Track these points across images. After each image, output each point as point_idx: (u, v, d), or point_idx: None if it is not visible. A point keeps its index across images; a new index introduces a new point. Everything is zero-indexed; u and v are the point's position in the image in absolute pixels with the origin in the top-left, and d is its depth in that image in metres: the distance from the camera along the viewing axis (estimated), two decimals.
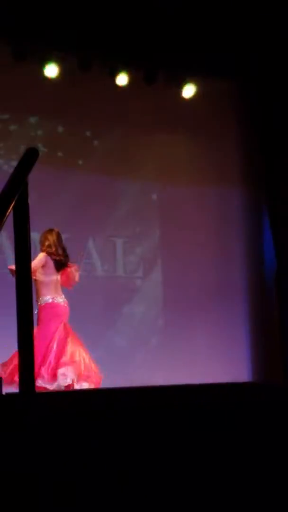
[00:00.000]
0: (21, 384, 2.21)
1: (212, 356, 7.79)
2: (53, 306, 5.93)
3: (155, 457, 2.24)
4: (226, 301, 8.17)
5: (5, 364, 5.68)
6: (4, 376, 5.54)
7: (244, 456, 2.37)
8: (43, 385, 5.61)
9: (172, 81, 8.03)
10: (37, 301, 5.90)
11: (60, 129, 7.68)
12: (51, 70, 7.42)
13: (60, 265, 6.07)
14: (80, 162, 7.74)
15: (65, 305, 6.01)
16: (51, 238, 6.12)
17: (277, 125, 8.32)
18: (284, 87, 8.15)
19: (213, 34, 7.41)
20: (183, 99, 8.09)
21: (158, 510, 2.17)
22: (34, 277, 5.87)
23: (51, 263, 6.01)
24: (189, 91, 8.08)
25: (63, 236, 7.36)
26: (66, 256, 6.13)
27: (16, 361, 5.57)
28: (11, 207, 2.30)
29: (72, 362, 5.72)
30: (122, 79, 7.72)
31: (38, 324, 5.83)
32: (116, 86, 7.74)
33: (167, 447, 2.27)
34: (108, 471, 2.14)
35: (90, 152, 7.78)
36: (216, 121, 8.35)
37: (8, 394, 2.09)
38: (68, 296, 6.38)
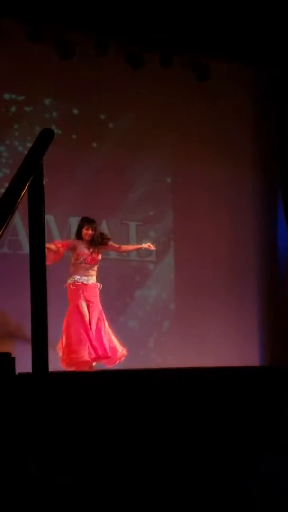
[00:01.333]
0: (34, 363, 2.23)
1: (223, 340, 7.80)
2: None
3: (165, 437, 2.26)
4: (238, 285, 8.17)
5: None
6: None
7: (255, 437, 2.38)
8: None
9: (187, 64, 7.99)
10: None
11: (75, 111, 7.67)
12: (67, 52, 7.40)
13: None
14: (95, 144, 7.74)
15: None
16: None
17: None
18: None
19: (229, 17, 7.35)
20: (198, 82, 8.06)
21: (163, 492, 2.19)
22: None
23: None
24: (204, 74, 8.04)
25: (77, 219, 7.43)
26: None
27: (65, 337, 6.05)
28: (26, 188, 2.31)
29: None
30: (138, 62, 7.69)
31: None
32: (132, 69, 7.71)
33: (177, 428, 2.29)
34: (118, 451, 2.16)
35: (104, 134, 7.77)
36: (230, 104, 8.31)
37: (21, 374, 2.11)
38: None
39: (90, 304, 6.27)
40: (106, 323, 6.33)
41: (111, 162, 7.69)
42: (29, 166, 2.37)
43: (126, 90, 7.75)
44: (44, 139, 2.50)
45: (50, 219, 7.14)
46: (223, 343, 7.78)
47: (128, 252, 7.10)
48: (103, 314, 6.33)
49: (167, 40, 7.70)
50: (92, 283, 6.31)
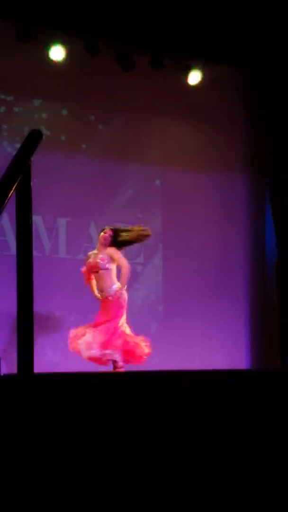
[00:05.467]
0: (20, 364, 2.22)
1: (211, 343, 7.81)
2: None
3: (150, 441, 2.25)
4: (226, 288, 8.18)
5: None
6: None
7: (243, 441, 2.38)
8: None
9: (178, 66, 8.01)
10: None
11: (65, 112, 7.66)
12: (57, 53, 7.39)
13: None
14: (84, 146, 7.73)
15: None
16: None
17: (282, 112, 8.30)
18: None
19: (220, 19, 7.36)
20: (189, 85, 8.08)
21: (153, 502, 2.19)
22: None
23: None
24: (194, 77, 8.06)
25: (65, 220, 7.40)
26: None
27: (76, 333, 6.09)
28: (13, 189, 2.30)
29: None
30: (128, 64, 7.70)
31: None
32: (122, 71, 7.71)
33: (164, 431, 2.29)
34: (106, 455, 2.15)
35: (94, 136, 7.76)
36: (221, 107, 8.32)
37: (6, 375, 2.10)
38: (68, 281, 6.41)
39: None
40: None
41: (100, 164, 7.69)
42: (17, 166, 2.37)
43: (116, 91, 7.75)
44: (33, 140, 2.50)
45: (38, 220, 7.13)
46: (210, 345, 7.78)
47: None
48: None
49: (158, 42, 7.70)
50: (102, 298, 6.34)
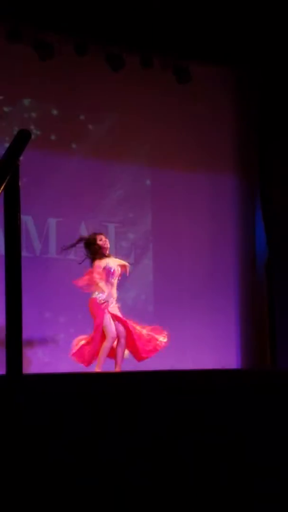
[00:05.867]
0: (8, 365, 2.21)
1: (201, 343, 7.81)
2: None
3: (144, 441, 2.25)
4: (217, 288, 8.19)
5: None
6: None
7: (235, 440, 2.38)
8: None
9: (167, 66, 8.00)
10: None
11: (54, 112, 7.65)
12: (47, 52, 7.38)
13: None
14: (74, 146, 7.72)
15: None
16: None
17: (272, 112, 8.31)
18: (280, 74, 8.14)
19: (210, 19, 7.37)
20: (179, 84, 8.07)
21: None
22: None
23: None
24: (184, 76, 8.06)
25: (55, 220, 7.37)
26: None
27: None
28: (1, 190, 2.30)
29: None
30: (117, 63, 7.69)
31: None
32: (112, 70, 7.70)
33: (156, 433, 2.28)
34: (99, 456, 2.15)
35: (84, 136, 7.75)
36: (211, 107, 8.33)
37: None
38: (58, 281, 6.39)
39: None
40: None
41: (90, 163, 7.68)
42: (5, 166, 2.36)
43: (106, 91, 7.75)
44: (21, 140, 2.49)
45: (28, 220, 7.11)
46: (201, 345, 7.79)
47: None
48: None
49: (148, 41, 7.70)
50: (113, 306, 6.30)
